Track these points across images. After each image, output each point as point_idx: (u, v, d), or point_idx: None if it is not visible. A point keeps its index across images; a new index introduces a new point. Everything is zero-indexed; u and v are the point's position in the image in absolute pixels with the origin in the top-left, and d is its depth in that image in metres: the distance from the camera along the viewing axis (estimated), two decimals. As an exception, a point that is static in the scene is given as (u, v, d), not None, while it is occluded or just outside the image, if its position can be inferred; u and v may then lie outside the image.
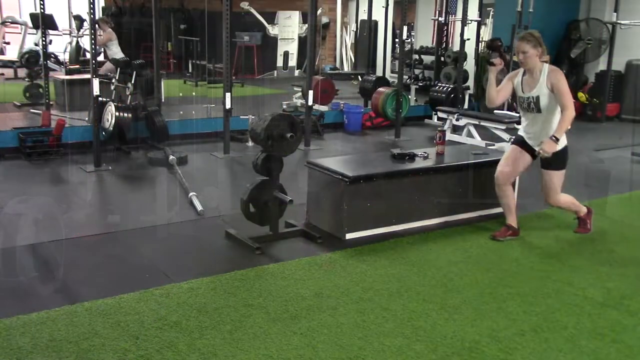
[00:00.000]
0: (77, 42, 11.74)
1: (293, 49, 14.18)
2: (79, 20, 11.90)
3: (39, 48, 7.87)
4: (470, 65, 9.87)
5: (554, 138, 3.97)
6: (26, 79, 9.41)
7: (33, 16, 9.56)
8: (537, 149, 4.08)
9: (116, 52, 9.16)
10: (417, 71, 11.23)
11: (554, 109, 4.06)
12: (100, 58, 9.11)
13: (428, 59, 11.51)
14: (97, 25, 9.22)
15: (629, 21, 9.61)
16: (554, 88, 3.99)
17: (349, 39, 14.49)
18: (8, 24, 10.43)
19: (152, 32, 7.53)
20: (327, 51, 15.14)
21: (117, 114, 6.43)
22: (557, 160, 4.10)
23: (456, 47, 9.97)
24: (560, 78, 4.00)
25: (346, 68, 14.48)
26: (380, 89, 8.44)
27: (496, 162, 4.83)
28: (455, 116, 7.93)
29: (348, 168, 4.30)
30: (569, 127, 4.01)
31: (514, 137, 7.28)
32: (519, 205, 4.97)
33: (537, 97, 4.04)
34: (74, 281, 3.45)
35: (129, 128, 6.59)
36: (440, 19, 10.73)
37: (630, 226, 4.69)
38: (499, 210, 4.86)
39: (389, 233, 4.30)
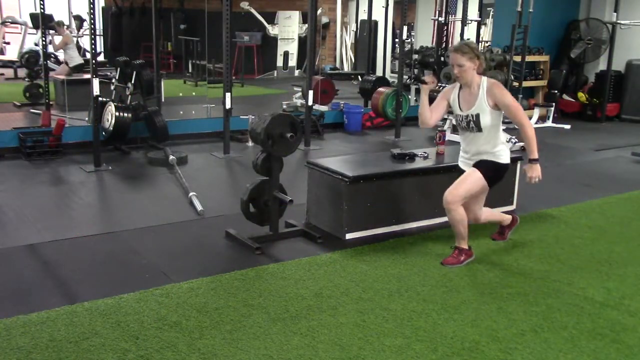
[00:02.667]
0: (77, 42, 11.73)
1: (293, 49, 14.18)
2: (79, 20, 11.91)
3: (39, 48, 7.87)
4: (470, 65, 9.85)
5: (533, 161, 3.60)
6: (26, 79, 9.42)
7: (33, 16, 9.58)
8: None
9: (74, 56, 9.18)
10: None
11: (497, 127, 3.65)
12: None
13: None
14: (53, 30, 9.26)
15: (629, 21, 9.61)
16: (499, 104, 3.56)
17: (349, 39, 14.49)
18: (8, 24, 10.43)
19: (152, 32, 7.54)
20: (327, 51, 15.14)
21: (117, 114, 6.43)
22: (490, 169, 3.68)
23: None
24: (502, 92, 3.57)
25: (346, 68, 14.48)
26: (380, 89, 8.44)
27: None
28: (455, 116, 7.93)
29: (348, 168, 4.30)
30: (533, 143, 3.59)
31: (513, 137, 7.37)
32: (519, 206, 4.98)
33: (477, 115, 3.60)
34: (74, 281, 3.45)
35: (129, 128, 6.59)
36: (440, 19, 10.72)
37: (630, 226, 4.69)
38: (499, 210, 4.86)
39: (389, 233, 4.30)
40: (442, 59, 10.36)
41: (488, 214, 4.02)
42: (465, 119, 3.66)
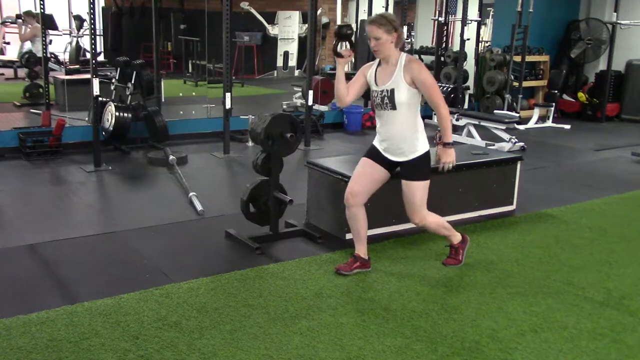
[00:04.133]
0: (77, 42, 11.74)
1: (293, 49, 14.18)
2: (79, 20, 11.90)
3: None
4: (470, 65, 9.87)
5: (447, 145, 3.46)
6: (26, 79, 9.42)
7: (33, 16, 9.57)
8: (394, 158, 3.50)
9: (40, 49, 9.08)
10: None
11: (413, 108, 3.43)
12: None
13: (428, 59, 11.50)
14: (21, 19, 9.19)
15: (629, 21, 9.61)
16: (416, 82, 3.36)
17: (349, 39, 14.46)
18: (8, 24, 10.43)
19: (152, 32, 7.54)
20: (327, 51, 15.13)
21: (117, 114, 6.43)
22: (419, 168, 3.48)
23: (456, 47, 9.97)
24: (420, 69, 3.37)
25: (346, 68, 14.47)
26: (380, 89, 8.42)
27: (496, 162, 4.86)
28: (455, 116, 7.94)
29: (348, 168, 4.29)
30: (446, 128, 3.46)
31: (513, 137, 7.37)
32: (519, 205, 4.98)
33: (392, 91, 3.39)
34: (74, 281, 3.45)
35: (129, 128, 6.59)
36: (440, 19, 10.72)
37: (630, 226, 4.69)
38: (499, 210, 4.87)
39: (389, 233, 4.30)
40: (442, 59, 10.39)
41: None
42: (380, 94, 3.45)
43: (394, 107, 3.42)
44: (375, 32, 3.37)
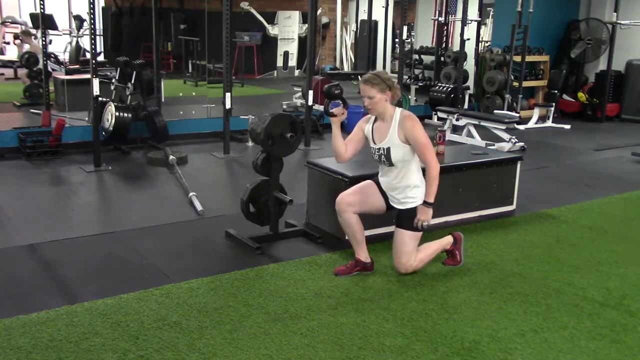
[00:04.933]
0: (77, 42, 11.74)
1: (293, 49, 14.18)
2: (79, 20, 11.90)
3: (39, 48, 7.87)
4: (470, 65, 9.87)
5: (427, 204, 3.42)
6: (23, 79, 9.41)
7: (33, 16, 9.58)
8: (392, 204, 3.55)
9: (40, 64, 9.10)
10: (417, 71, 11.23)
11: (410, 163, 3.46)
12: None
13: (428, 59, 11.51)
14: (19, 39, 9.19)
15: (629, 21, 9.62)
16: (409, 140, 3.37)
17: (349, 39, 14.48)
18: (8, 24, 10.43)
19: (152, 32, 7.54)
20: (327, 51, 15.13)
21: (117, 114, 6.43)
22: (413, 218, 3.47)
23: (456, 47, 9.97)
24: (414, 126, 3.36)
25: (346, 68, 14.48)
26: (381, 89, 8.42)
27: (496, 162, 4.86)
28: (455, 116, 7.94)
29: (348, 168, 4.30)
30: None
31: (514, 137, 7.37)
32: (519, 205, 4.98)
33: (388, 149, 3.42)
34: (74, 281, 3.45)
35: (129, 128, 6.59)
36: (440, 19, 10.73)
37: (630, 226, 4.69)
38: (499, 210, 4.87)
39: (389, 233, 4.29)
40: (442, 59, 10.39)
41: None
42: (377, 152, 3.50)
43: (391, 164, 3.47)
44: (369, 91, 3.38)
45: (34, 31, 9.45)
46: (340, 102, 3.60)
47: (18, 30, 9.59)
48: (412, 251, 3.53)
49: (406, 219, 3.49)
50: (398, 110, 3.46)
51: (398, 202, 3.55)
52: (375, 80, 3.38)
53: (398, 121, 3.41)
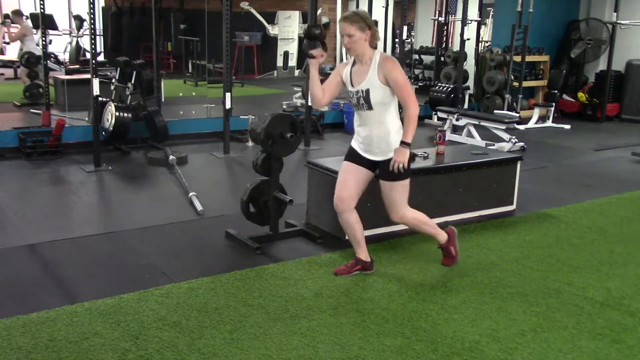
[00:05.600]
0: (77, 42, 11.74)
1: (293, 49, 14.18)
2: (79, 20, 11.90)
3: (39, 48, 7.87)
4: (470, 65, 9.87)
5: (404, 144, 3.32)
6: (24, 79, 9.41)
7: (33, 16, 9.57)
8: (373, 158, 3.44)
9: (32, 47, 8.97)
10: (417, 71, 11.23)
11: (389, 106, 3.39)
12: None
13: (428, 59, 11.52)
14: (9, 20, 9.12)
15: (629, 21, 9.62)
16: (389, 80, 3.30)
17: (349, 39, 14.46)
18: (8, 23, 10.42)
19: (152, 32, 7.54)
20: (327, 51, 15.13)
21: (117, 114, 6.43)
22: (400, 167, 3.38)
23: (456, 47, 9.97)
24: (393, 67, 3.31)
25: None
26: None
27: (496, 162, 4.86)
28: (455, 116, 7.94)
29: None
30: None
31: (514, 137, 7.37)
32: (519, 205, 4.98)
33: (367, 91, 3.34)
34: (74, 281, 3.45)
35: (129, 128, 6.59)
36: (440, 19, 10.73)
37: (630, 226, 4.69)
38: (499, 210, 4.87)
39: (389, 233, 4.30)
40: (442, 59, 10.40)
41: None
42: (356, 95, 3.39)
43: (370, 107, 3.37)
44: (348, 29, 3.30)
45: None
46: (320, 44, 3.49)
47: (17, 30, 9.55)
48: (402, 201, 3.47)
49: (389, 171, 3.39)
50: (377, 51, 3.39)
51: (380, 152, 3.44)
52: (355, 18, 3.30)
53: (378, 62, 3.34)
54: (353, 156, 3.56)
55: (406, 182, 3.47)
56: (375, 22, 11.72)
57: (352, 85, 3.42)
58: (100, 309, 3.09)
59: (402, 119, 3.44)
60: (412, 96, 3.32)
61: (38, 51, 8.96)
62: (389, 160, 3.39)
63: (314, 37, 3.51)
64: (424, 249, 4.06)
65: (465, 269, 3.74)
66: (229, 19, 6.57)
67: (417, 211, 3.63)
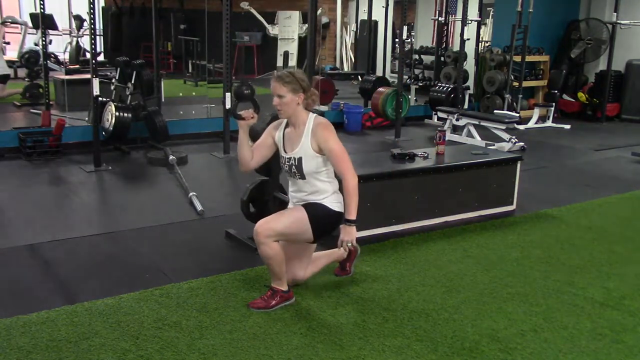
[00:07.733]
0: (77, 42, 11.74)
1: (293, 49, 14.17)
2: (79, 20, 11.90)
3: (39, 48, 7.87)
4: (470, 65, 9.87)
5: (349, 222, 3.01)
6: (26, 79, 9.41)
7: (33, 16, 9.57)
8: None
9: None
10: (417, 71, 11.23)
11: (323, 174, 3.10)
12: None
13: (428, 59, 11.52)
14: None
15: (629, 21, 9.62)
16: (323, 150, 3.02)
17: (349, 39, 14.48)
18: (8, 24, 10.42)
19: (152, 32, 7.54)
20: (327, 51, 15.13)
21: (117, 114, 6.43)
22: (321, 217, 3.10)
23: (456, 47, 9.97)
24: (328, 136, 3.01)
25: (346, 68, 14.48)
26: (380, 89, 8.44)
27: (496, 162, 4.86)
28: (455, 116, 7.94)
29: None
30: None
31: (514, 137, 7.37)
32: (519, 205, 4.98)
33: (300, 160, 3.06)
34: (74, 281, 3.45)
35: (129, 128, 6.59)
36: (440, 19, 10.73)
37: (630, 226, 4.69)
38: (499, 210, 4.87)
39: (389, 233, 4.30)
40: (442, 59, 10.40)
41: (316, 264, 3.41)
42: (288, 162, 3.11)
43: (302, 177, 3.10)
44: (279, 89, 3.05)
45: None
46: (252, 104, 3.26)
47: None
48: (284, 226, 3.06)
49: (313, 207, 3.10)
50: (312, 116, 3.11)
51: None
52: (288, 79, 3.05)
53: (311, 129, 3.06)
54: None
55: (306, 227, 3.09)
56: (375, 23, 11.75)
57: (285, 151, 3.15)
58: (100, 309, 3.09)
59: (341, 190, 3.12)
60: (349, 167, 3.02)
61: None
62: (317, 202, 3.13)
63: (244, 97, 3.29)
64: (424, 249, 4.06)
65: (465, 269, 3.74)
66: (229, 19, 6.57)
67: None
